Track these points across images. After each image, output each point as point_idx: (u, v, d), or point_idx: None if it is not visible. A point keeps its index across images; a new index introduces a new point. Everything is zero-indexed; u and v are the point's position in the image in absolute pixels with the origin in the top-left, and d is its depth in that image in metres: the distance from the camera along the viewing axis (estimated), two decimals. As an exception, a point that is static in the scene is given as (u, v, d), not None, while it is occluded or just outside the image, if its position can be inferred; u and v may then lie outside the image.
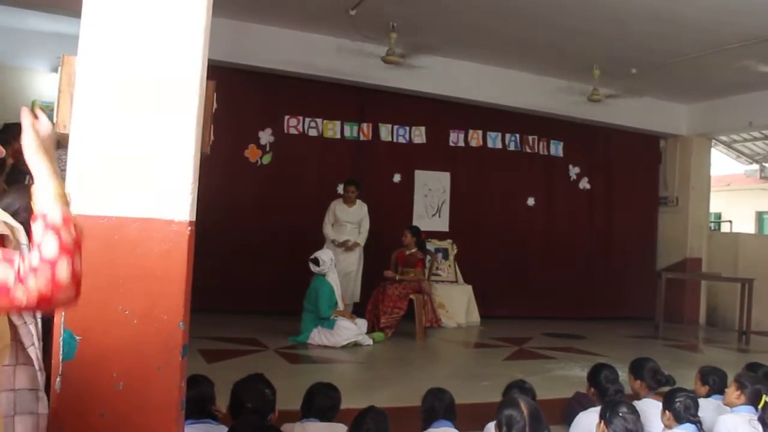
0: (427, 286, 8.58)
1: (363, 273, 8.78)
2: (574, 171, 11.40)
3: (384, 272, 8.43)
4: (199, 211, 2.44)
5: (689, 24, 7.61)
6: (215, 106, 2.70)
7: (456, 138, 10.52)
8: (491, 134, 10.69)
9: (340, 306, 7.70)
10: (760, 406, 3.79)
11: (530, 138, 10.98)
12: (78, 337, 2.21)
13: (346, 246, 8.52)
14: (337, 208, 8.67)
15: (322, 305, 7.43)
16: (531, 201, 11.04)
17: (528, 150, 10.98)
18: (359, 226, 8.69)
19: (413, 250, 8.56)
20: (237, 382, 3.46)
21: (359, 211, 8.68)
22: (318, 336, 7.39)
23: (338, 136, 9.78)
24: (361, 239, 8.68)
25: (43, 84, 9.34)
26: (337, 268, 8.00)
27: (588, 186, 11.50)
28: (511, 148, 10.85)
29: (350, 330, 7.44)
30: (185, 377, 2.41)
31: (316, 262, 7.60)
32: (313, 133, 9.63)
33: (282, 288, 8.79)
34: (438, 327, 8.78)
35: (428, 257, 9.16)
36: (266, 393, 3.43)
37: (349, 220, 8.65)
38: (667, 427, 3.69)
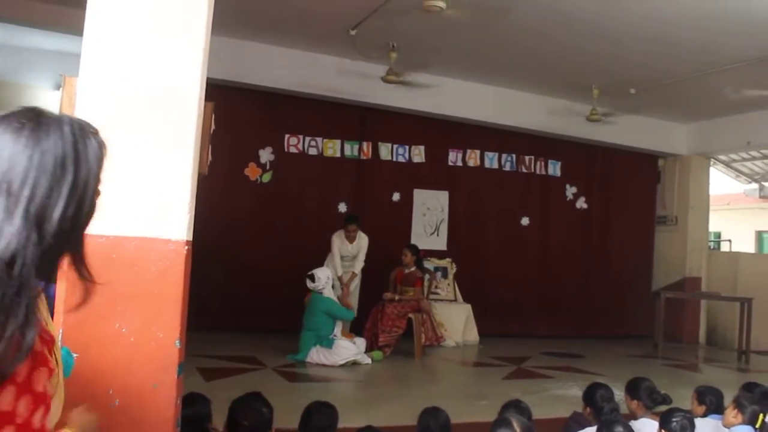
0: (426, 304, 8.59)
1: (361, 292, 8.79)
2: (571, 191, 11.43)
3: (383, 294, 8.44)
4: (198, 228, 2.47)
5: (687, 45, 7.67)
6: (213, 127, 2.73)
7: (455, 157, 10.56)
8: (488, 154, 10.74)
9: (338, 324, 7.70)
10: (757, 426, 3.78)
11: (527, 158, 11.02)
12: (75, 355, 2.23)
13: (344, 290, 8.51)
14: (340, 243, 8.68)
15: (340, 313, 7.61)
16: (526, 221, 11.06)
17: (524, 170, 11.02)
18: (357, 255, 8.71)
19: (412, 269, 8.57)
20: (234, 400, 3.46)
21: (358, 244, 8.69)
22: (316, 355, 7.39)
23: (338, 154, 9.82)
24: (358, 268, 8.68)
25: (44, 101, 9.41)
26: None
27: (585, 206, 11.53)
28: (507, 168, 10.89)
29: (349, 349, 7.44)
30: (181, 395, 2.42)
31: (312, 278, 7.61)
32: (313, 151, 9.66)
33: (281, 306, 8.79)
34: (438, 345, 8.79)
35: (427, 276, 9.18)
36: (263, 411, 3.43)
37: (348, 253, 8.67)
38: (663, 446, 3.68)
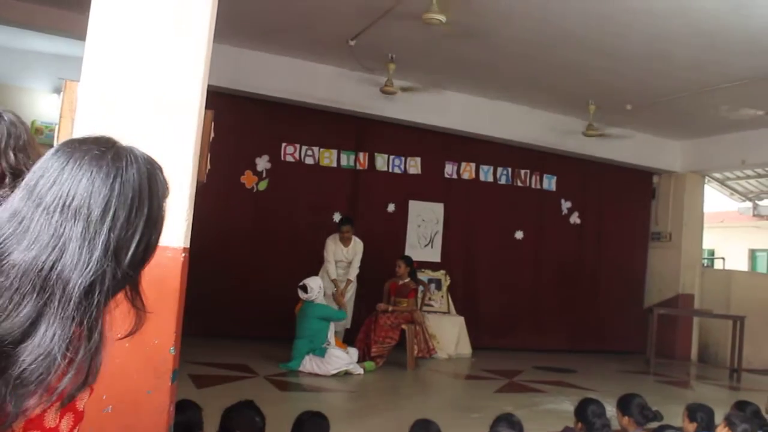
0: (419, 316, 8.59)
1: (356, 303, 8.80)
2: (565, 205, 11.47)
3: (377, 305, 8.44)
4: (192, 234, 2.47)
5: (683, 63, 7.73)
6: (212, 135, 2.75)
7: (451, 170, 10.59)
8: (484, 167, 10.77)
9: (331, 333, 7.68)
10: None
11: (523, 172, 11.05)
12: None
13: (339, 289, 8.52)
14: (335, 247, 8.67)
15: (335, 315, 7.66)
16: (520, 234, 11.07)
17: (519, 184, 11.05)
18: (351, 262, 8.72)
19: (406, 280, 8.58)
20: (227, 408, 3.45)
21: (354, 249, 8.70)
22: (309, 364, 7.38)
23: (334, 164, 9.83)
24: (353, 275, 8.68)
25: (43, 104, 9.43)
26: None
27: (578, 221, 11.56)
28: (502, 181, 10.92)
29: (341, 359, 7.43)
30: (174, 402, 2.42)
31: (305, 289, 7.60)
32: (309, 161, 9.67)
33: (274, 314, 8.78)
34: (430, 357, 8.79)
35: (421, 287, 9.19)
36: (256, 420, 3.42)
37: (342, 258, 8.67)
38: (654, 463, 3.69)
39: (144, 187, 1.26)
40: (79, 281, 1.15)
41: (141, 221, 1.24)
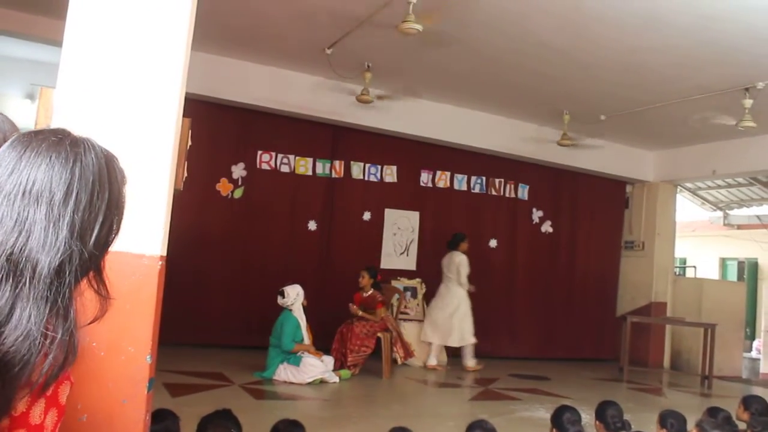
0: (392, 322, 8.57)
1: (327, 311, 8.76)
2: (537, 214, 11.54)
3: (349, 305, 8.41)
4: (168, 241, 2.47)
5: (656, 74, 7.84)
6: (190, 143, 2.74)
7: (426, 178, 10.63)
8: (458, 176, 10.82)
9: (306, 341, 7.66)
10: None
11: (497, 181, 11.13)
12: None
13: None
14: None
15: (285, 339, 7.41)
16: (494, 243, 11.14)
17: (494, 193, 11.12)
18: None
19: (370, 292, 8.51)
20: (203, 417, 3.43)
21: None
22: (284, 372, 7.35)
23: (310, 172, 9.81)
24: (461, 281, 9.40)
25: (15, 110, 9.31)
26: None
27: (550, 229, 11.63)
28: (476, 190, 10.98)
29: (316, 367, 7.41)
30: (150, 411, 2.40)
31: (283, 294, 7.58)
32: (285, 169, 9.65)
33: (249, 322, 8.76)
34: (410, 359, 8.86)
35: (396, 295, 9.20)
36: (232, 430, 3.41)
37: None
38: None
39: (103, 172, 1.29)
40: (48, 261, 1.18)
41: (103, 204, 1.27)
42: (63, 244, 1.19)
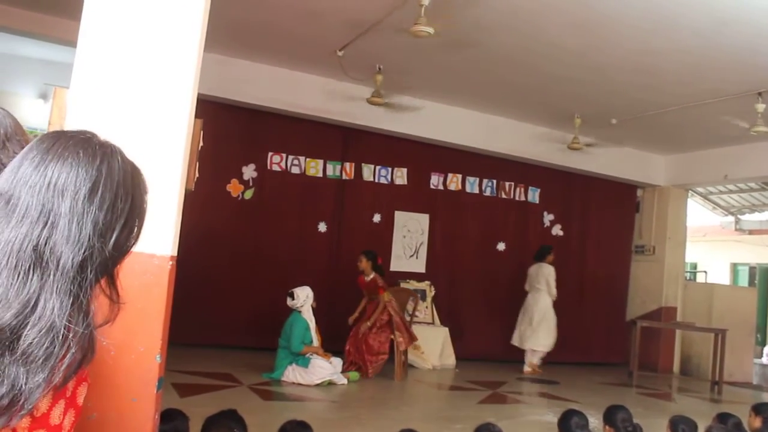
0: (394, 307, 8.44)
1: (337, 312, 8.75)
2: (548, 218, 11.51)
3: (348, 319, 8.43)
4: (179, 242, 2.47)
5: (668, 78, 7.81)
6: (201, 143, 2.75)
7: (437, 181, 10.62)
8: (470, 179, 10.81)
9: (315, 342, 7.66)
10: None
11: (507, 184, 11.10)
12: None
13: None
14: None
15: (294, 340, 7.42)
16: (502, 246, 11.10)
17: (504, 196, 11.10)
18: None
19: (371, 276, 8.44)
20: (208, 417, 3.44)
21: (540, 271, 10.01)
22: (292, 373, 7.36)
23: (320, 174, 9.83)
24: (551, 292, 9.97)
25: (28, 109, 9.37)
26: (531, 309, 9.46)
27: (561, 233, 11.60)
28: (488, 193, 10.97)
29: (325, 369, 7.42)
30: (159, 410, 2.41)
31: (292, 296, 7.59)
32: (295, 170, 9.67)
33: (259, 324, 8.76)
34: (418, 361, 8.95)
35: (411, 298, 9.20)
36: (236, 430, 3.41)
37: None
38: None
39: (128, 177, 1.30)
40: (72, 256, 1.18)
41: (127, 206, 1.28)
42: (87, 240, 1.20)
